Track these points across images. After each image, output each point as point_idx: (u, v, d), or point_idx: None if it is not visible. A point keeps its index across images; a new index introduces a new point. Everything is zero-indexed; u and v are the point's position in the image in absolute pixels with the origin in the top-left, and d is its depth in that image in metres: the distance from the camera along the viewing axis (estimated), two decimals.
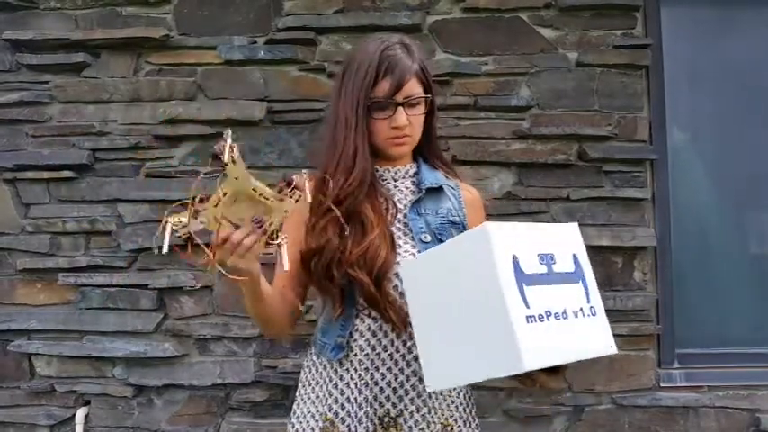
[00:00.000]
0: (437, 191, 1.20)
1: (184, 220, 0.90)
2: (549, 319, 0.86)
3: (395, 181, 1.21)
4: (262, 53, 2.05)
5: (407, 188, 1.21)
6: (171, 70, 2.09)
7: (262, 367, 2.05)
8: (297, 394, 1.24)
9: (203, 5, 2.09)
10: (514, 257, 0.85)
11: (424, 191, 1.19)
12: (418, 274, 0.98)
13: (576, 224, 1.01)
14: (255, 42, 2.08)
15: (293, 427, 1.21)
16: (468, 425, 1.19)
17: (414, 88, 1.13)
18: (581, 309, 0.93)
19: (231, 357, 2.06)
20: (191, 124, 2.05)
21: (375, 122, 1.13)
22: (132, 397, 2.08)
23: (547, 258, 0.90)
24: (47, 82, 2.09)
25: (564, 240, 0.97)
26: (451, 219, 1.18)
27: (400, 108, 1.11)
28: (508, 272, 0.84)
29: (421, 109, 1.15)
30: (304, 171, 0.97)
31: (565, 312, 0.89)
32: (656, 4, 2.13)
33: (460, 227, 1.19)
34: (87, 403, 2.10)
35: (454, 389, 1.17)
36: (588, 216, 2.06)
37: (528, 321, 0.83)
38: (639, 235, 2.04)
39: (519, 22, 2.07)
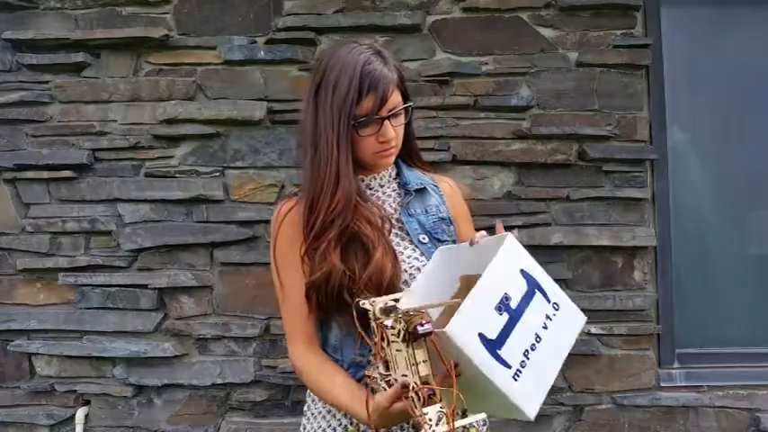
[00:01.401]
0: (421, 190, 1.20)
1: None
2: (528, 359, 0.94)
3: (381, 187, 1.20)
4: (262, 53, 2.05)
5: (394, 191, 1.20)
6: (171, 70, 2.09)
7: (262, 367, 2.05)
8: (306, 408, 1.20)
9: (203, 5, 2.09)
10: (480, 335, 0.91)
11: (413, 192, 1.18)
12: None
13: (509, 235, 1.01)
14: (255, 42, 2.08)
15: None
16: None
17: (396, 99, 1.10)
18: (546, 316, 0.99)
19: (231, 357, 2.06)
20: (191, 124, 2.05)
21: (361, 139, 1.10)
22: (132, 397, 2.08)
23: (503, 304, 0.95)
24: (47, 82, 2.09)
25: (509, 264, 0.99)
26: (440, 215, 1.19)
27: (387, 122, 1.09)
28: (480, 353, 0.90)
29: (402, 118, 1.13)
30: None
31: (537, 337, 0.96)
32: (656, 4, 2.13)
33: (448, 221, 1.20)
34: (87, 403, 2.10)
35: None
36: (588, 216, 2.06)
37: (515, 379, 0.92)
38: (639, 235, 2.04)
39: (519, 22, 2.07)
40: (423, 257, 1.13)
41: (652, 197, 2.11)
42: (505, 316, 0.94)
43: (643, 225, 2.06)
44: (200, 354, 2.08)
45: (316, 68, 1.15)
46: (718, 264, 2.19)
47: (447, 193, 1.25)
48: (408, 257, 1.12)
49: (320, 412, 1.15)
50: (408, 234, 1.14)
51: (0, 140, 2.10)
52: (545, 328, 0.98)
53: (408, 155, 1.24)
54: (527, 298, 0.97)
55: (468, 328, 0.90)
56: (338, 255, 1.05)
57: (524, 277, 0.99)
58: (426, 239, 1.14)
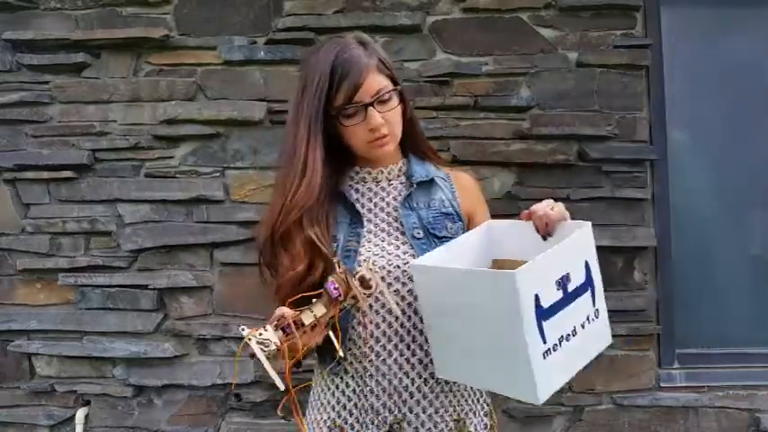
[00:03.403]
0: (428, 183, 1.17)
1: (266, 335, 0.89)
2: (561, 345, 0.92)
3: (389, 181, 1.17)
4: (262, 53, 2.05)
5: (402, 184, 1.18)
6: (171, 70, 2.09)
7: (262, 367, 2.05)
8: (310, 400, 1.23)
9: (203, 5, 2.09)
10: (536, 296, 0.89)
11: (414, 185, 1.16)
12: (431, 280, 1.00)
13: (589, 224, 1.03)
14: (255, 42, 2.08)
15: None
16: (476, 414, 1.17)
17: (379, 83, 1.06)
18: (587, 317, 0.98)
19: (231, 357, 2.06)
20: (191, 124, 2.05)
21: (350, 129, 1.08)
22: (132, 397, 2.08)
23: (563, 281, 0.94)
24: (47, 82, 2.09)
25: (578, 250, 1.00)
26: (444, 210, 1.16)
27: (371, 108, 1.06)
28: (530, 313, 0.88)
29: (393, 103, 1.09)
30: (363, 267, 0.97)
31: (574, 330, 0.96)
32: (656, 4, 2.13)
33: (454, 216, 1.16)
34: (87, 403, 2.11)
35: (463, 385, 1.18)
36: (588, 216, 2.05)
37: (544, 357, 0.90)
38: (639, 235, 2.04)
39: (519, 22, 2.07)
40: (412, 250, 1.10)
41: (652, 197, 2.10)
42: (560, 294, 0.93)
43: (643, 225, 2.06)
44: (200, 354, 2.08)
45: (302, 63, 1.14)
46: (719, 264, 2.19)
47: (463, 187, 1.22)
48: (397, 249, 1.11)
49: (315, 404, 1.18)
50: (403, 226, 1.12)
51: (0, 141, 2.10)
52: (582, 327, 0.97)
53: (415, 146, 1.21)
54: (581, 289, 0.98)
55: (532, 281, 0.88)
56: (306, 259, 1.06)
57: (585, 269, 0.99)
58: (421, 234, 1.12)
